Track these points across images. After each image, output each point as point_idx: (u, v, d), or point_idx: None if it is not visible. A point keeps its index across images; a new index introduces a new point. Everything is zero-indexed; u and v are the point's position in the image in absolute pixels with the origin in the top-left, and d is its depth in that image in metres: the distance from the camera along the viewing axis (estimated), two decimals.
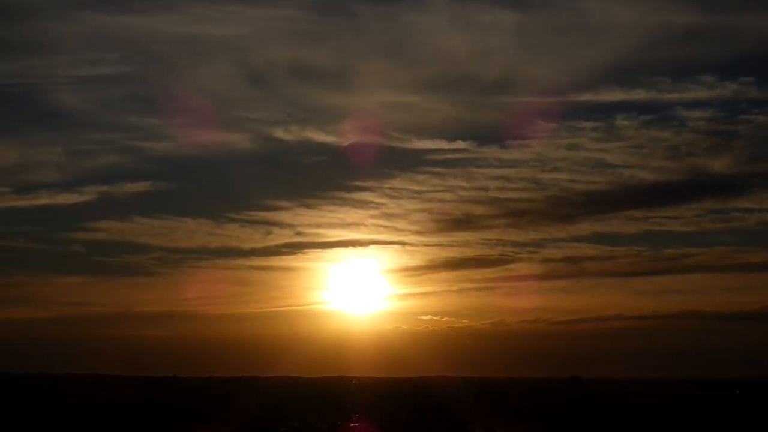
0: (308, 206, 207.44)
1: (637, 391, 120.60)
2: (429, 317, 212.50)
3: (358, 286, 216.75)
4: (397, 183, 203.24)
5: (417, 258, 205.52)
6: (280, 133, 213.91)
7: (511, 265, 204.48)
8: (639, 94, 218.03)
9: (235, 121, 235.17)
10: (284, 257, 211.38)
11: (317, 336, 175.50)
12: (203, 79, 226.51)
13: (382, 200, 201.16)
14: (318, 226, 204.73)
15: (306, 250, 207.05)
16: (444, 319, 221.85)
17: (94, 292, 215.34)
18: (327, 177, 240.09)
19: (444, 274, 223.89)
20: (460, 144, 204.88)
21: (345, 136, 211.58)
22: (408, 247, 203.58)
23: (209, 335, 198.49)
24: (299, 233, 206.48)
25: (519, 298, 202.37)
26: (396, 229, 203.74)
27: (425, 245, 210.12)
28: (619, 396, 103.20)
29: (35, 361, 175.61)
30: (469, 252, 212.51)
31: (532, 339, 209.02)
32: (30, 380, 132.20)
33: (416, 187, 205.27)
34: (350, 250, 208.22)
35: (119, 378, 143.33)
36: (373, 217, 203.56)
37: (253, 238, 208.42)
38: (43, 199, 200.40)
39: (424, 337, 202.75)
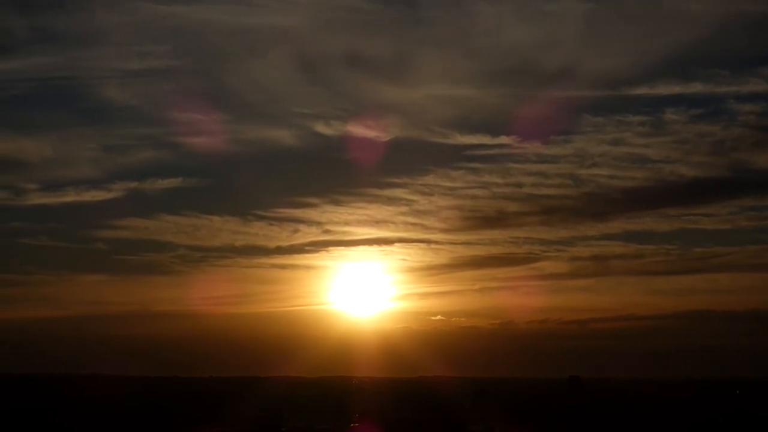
0: (338, 203, 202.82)
1: (647, 391, 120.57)
2: (438, 317, 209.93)
3: (378, 285, 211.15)
4: (430, 179, 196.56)
5: (442, 256, 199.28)
6: (321, 128, 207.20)
7: (537, 264, 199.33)
8: (694, 87, 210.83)
9: (280, 115, 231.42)
10: (307, 255, 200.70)
11: (325, 336, 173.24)
12: (254, 72, 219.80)
13: (414, 197, 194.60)
14: (346, 223, 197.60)
15: (330, 248, 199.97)
16: (453, 319, 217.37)
17: (112, 291, 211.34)
18: (362, 173, 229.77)
19: (468, 273, 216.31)
20: (503, 139, 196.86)
21: (388, 130, 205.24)
22: (433, 245, 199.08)
23: (223, 335, 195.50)
24: (327, 231, 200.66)
25: (539, 298, 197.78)
26: (424, 227, 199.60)
27: (452, 243, 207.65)
28: (626, 396, 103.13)
29: (49, 362, 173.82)
30: (495, 250, 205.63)
31: (539, 339, 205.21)
32: (44, 381, 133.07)
33: (449, 184, 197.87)
34: (375, 248, 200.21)
35: (127, 378, 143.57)
36: (402, 214, 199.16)
37: (279, 237, 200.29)
38: (71, 197, 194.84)
39: (431, 336, 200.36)
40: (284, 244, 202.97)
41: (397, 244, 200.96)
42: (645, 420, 65.59)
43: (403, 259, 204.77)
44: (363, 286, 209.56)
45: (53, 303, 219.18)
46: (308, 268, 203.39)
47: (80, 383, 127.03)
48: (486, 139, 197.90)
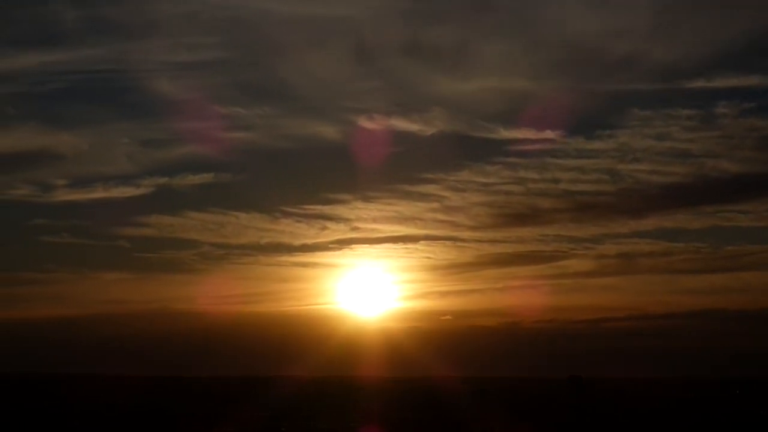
0: (368, 200, 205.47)
1: (657, 391, 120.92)
2: (452, 316, 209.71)
3: (397, 284, 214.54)
4: (464, 175, 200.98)
5: (467, 254, 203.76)
6: (364, 122, 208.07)
7: (563, 262, 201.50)
8: (751, 80, 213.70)
9: (327, 109, 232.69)
10: (329, 253, 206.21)
11: (336, 336, 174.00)
12: (307, 65, 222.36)
13: (446, 193, 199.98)
14: (374, 220, 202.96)
15: (354, 246, 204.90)
16: (471, 318, 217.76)
17: (130, 290, 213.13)
18: (396, 168, 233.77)
19: (492, 271, 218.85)
20: (548, 134, 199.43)
21: (432, 124, 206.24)
22: (459, 243, 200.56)
23: (238, 334, 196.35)
24: (354, 228, 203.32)
25: (559, 297, 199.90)
26: (452, 224, 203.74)
27: (478, 241, 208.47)
28: (636, 396, 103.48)
29: (64, 361, 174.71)
30: (522, 248, 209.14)
31: (549, 338, 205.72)
32: (59, 380, 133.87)
33: (483, 180, 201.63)
34: (399, 246, 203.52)
35: (142, 378, 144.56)
36: (432, 210, 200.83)
37: (306, 234, 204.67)
38: (99, 193, 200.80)
39: (446, 336, 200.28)
40: (310, 241, 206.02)
41: (422, 242, 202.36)
42: (645, 420, 65.58)
43: (427, 257, 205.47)
44: (381, 285, 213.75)
45: (70, 301, 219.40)
46: (329, 266, 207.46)
47: (95, 383, 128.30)
48: (530, 134, 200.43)
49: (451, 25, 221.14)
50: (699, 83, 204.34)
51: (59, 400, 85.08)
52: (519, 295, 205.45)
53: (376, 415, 66.97)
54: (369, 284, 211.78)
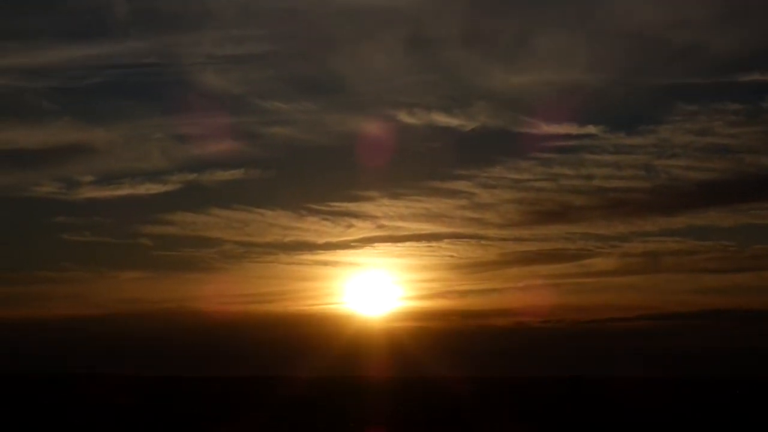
0: (396, 197, 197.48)
1: (661, 391, 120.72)
2: (467, 316, 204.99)
3: (416, 282, 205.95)
4: (497, 171, 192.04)
5: (491, 253, 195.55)
6: (404, 117, 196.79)
7: (587, 261, 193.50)
8: None
9: (370, 103, 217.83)
10: (351, 251, 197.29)
11: (344, 335, 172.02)
12: (358, 58, 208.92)
13: (476, 190, 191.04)
14: (401, 218, 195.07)
15: (376, 245, 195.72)
16: (489, 318, 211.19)
17: (147, 289, 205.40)
18: (429, 164, 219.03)
19: (514, 270, 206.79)
20: (590, 129, 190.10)
21: (475, 119, 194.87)
22: (483, 242, 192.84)
23: (253, 333, 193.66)
24: (381, 226, 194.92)
25: (580, 296, 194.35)
26: (479, 222, 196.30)
27: (503, 239, 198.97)
28: (638, 396, 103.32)
29: (79, 361, 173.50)
30: (547, 246, 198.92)
31: (556, 337, 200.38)
32: (74, 380, 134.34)
33: (516, 176, 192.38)
34: (422, 244, 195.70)
35: (146, 378, 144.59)
36: (460, 208, 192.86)
37: (331, 232, 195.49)
38: (125, 189, 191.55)
39: (458, 336, 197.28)
40: (335, 239, 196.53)
41: (446, 240, 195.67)
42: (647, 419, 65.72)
43: (450, 256, 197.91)
44: (400, 284, 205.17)
45: (85, 301, 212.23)
46: (349, 265, 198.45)
47: (108, 382, 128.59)
48: (572, 129, 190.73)
49: (510, 16, 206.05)
50: (754, 76, 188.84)
51: (76, 400, 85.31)
52: (537, 294, 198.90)
53: (398, 415, 67.06)
54: (387, 283, 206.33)
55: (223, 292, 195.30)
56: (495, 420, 64.73)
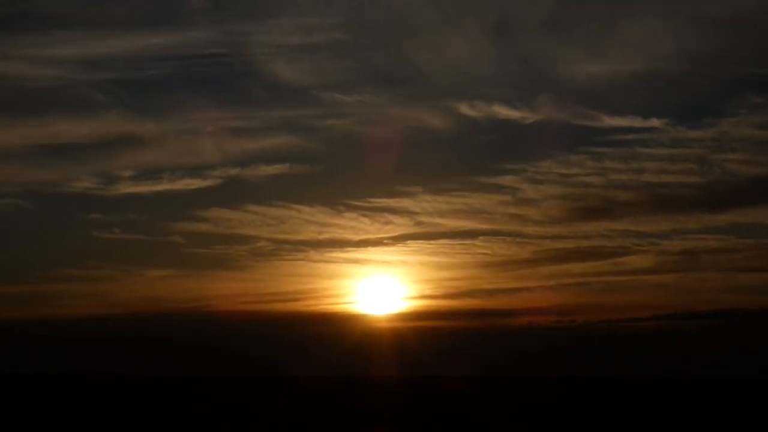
0: (439, 192, 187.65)
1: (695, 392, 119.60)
2: (483, 315, 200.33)
3: (444, 281, 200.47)
4: (546, 165, 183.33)
5: (526, 250, 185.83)
6: (464, 109, 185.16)
7: (623, 259, 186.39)
8: None
9: (434, 95, 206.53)
10: (383, 249, 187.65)
11: (362, 335, 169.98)
12: (427, 48, 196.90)
13: (522, 185, 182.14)
14: (440, 214, 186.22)
15: (409, 242, 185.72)
16: (513, 317, 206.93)
17: (170, 287, 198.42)
18: (479, 158, 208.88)
19: (546, 268, 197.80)
20: (653, 122, 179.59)
21: (538, 111, 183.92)
22: (519, 239, 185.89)
23: (271, 333, 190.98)
24: (419, 223, 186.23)
25: (610, 295, 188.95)
26: (520, 218, 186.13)
27: (541, 237, 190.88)
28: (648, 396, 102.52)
29: (95, 362, 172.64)
30: (585, 244, 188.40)
31: (578, 337, 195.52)
32: (93, 381, 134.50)
33: (564, 171, 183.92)
34: (456, 242, 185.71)
35: (169, 379, 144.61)
36: (503, 204, 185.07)
37: (368, 229, 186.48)
38: (163, 185, 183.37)
39: (473, 335, 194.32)
40: (371, 236, 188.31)
41: (481, 238, 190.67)
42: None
43: (484, 254, 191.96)
44: (428, 283, 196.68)
45: (108, 300, 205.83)
46: (378, 263, 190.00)
47: (122, 384, 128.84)
48: (636, 122, 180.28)
49: (599, 3, 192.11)
50: None
51: (97, 400, 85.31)
52: (567, 293, 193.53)
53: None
54: (414, 282, 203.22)
55: (247, 291, 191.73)
56: (513, 420, 64.10)
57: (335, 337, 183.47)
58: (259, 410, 72.14)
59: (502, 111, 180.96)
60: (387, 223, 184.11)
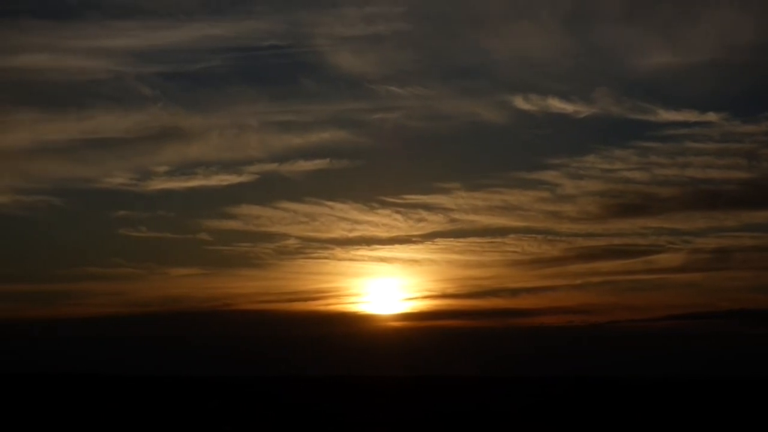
0: (476, 188, 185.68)
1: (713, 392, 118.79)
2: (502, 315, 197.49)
3: (468, 280, 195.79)
4: (589, 161, 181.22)
5: (556, 248, 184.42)
6: (519, 103, 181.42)
7: (653, 257, 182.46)
8: None
9: (491, 87, 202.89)
10: (410, 247, 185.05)
11: (367, 334, 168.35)
12: (490, 39, 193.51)
13: (562, 181, 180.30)
14: (475, 211, 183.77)
15: (437, 240, 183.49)
16: (532, 317, 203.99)
17: (192, 286, 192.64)
18: (523, 153, 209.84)
19: (574, 267, 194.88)
20: (710, 116, 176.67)
21: (594, 105, 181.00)
22: (550, 237, 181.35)
23: (289, 334, 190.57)
24: (452, 220, 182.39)
25: (634, 294, 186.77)
26: (554, 215, 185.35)
27: (573, 235, 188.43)
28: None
29: (115, 362, 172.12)
30: (617, 242, 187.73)
31: (594, 337, 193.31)
32: (111, 382, 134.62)
33: (607, 166, 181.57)
34: (486, 240, 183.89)
35: (170, 378, 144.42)
36: (539, 200, 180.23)
37: (400, 226, 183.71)
38: (197, 181, 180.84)
39: (491, 335, 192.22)
40: (402, 234, 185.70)
41: (511, 236, 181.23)
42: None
43: (513, 252, 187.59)
44: (452, 281, 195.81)
45: (128, 299, 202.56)
46: (403, 261, 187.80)
47: (146, 384, 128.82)
48: (692, 116, 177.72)
49: None
50: None
51: (118, 401, 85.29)
52: (592, 292, 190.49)
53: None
54: (438, 281, 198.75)
55: (268, 290, 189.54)
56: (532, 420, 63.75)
57: (349, 336, 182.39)
58: (272, 411, 71.99)
59: (557, 104, 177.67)
60: (420, 220, 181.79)
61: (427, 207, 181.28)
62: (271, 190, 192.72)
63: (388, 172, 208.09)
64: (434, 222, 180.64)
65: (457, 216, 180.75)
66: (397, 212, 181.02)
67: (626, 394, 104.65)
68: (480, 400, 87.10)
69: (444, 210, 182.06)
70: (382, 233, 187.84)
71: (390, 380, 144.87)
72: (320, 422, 61.60)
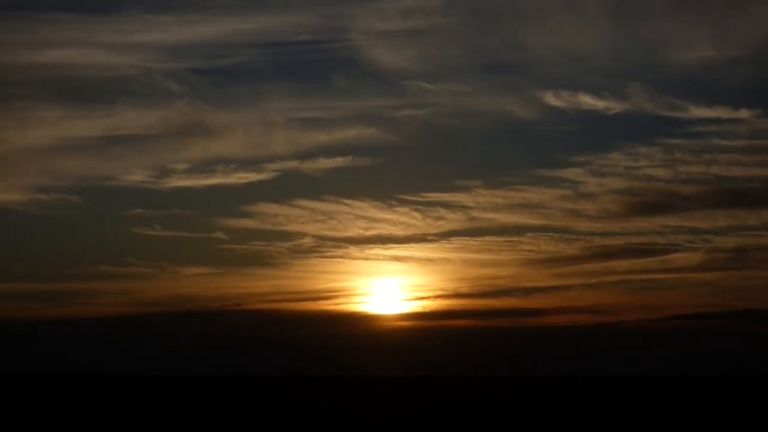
0: (497, 186, 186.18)
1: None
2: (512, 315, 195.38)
3: (481, 279, 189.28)
4: (613, 158, 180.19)
5: (573, 247, 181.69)
6: (549, 99, 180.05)
7: (670, 256, 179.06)
8: None
9: (523, 84, 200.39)
10: (426, 245, 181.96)
11: (375, 334, 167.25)
12: (526, 33, 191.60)
13: (585, 178, 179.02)
14: (495, 209, 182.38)
15: (453, 239, 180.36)
16: (543, 317, 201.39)
17: (205, 286, 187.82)
18: (548, 150, 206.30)
19: (589, 266, 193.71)
20: (742, 113, 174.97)
21: (626, 101, 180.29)
22: (567, 235, 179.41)
23: (298, 333, 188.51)
24: (471, 218, 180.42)
25: (647, 293, 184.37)
26: (574, 214, 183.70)
27: (591, 233, 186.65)
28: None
29: (125, 362, 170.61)
30: (634, 240, 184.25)
31: (604, 337, 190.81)
32: (120, 382, 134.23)
33: (631, 163, 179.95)
34: (503, 239, 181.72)
35: (177, 378, 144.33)
36: (560, 198, 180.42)
37: (418, 225, 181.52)
38: (216, 178, 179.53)
39: (502, 335, 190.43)
40: (418, 233, 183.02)
41: (528, 234, 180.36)
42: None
43: (529, 251, 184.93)
44: (464, 281, 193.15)
45: (141, 298, 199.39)
46: (418, 260, 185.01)
47: (146, 383, 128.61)
48: (724, 113, 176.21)
49: None
50: None
51: (126, 402, 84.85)
52: (606, 291, 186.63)
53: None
54: (452, 280, 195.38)
55: (280, 290, 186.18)
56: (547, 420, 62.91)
57: (354, 337, 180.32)
58: (276, 411, 71.54)
59: (588, 100, 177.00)
60: (438, 218, 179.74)
61: (446, 205, 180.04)
62: (290, 187, 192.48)
63: (409, 169, 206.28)
64: (452, 220, 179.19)
65: (476, 214, 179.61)
66: (416, 210, 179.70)
67: (637, 394, 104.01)
68: (485, 400, 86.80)
69: (463, 208, 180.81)
70: (399, 232, 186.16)
71: (394, 380, 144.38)
72: (323, 422, 60.85)
